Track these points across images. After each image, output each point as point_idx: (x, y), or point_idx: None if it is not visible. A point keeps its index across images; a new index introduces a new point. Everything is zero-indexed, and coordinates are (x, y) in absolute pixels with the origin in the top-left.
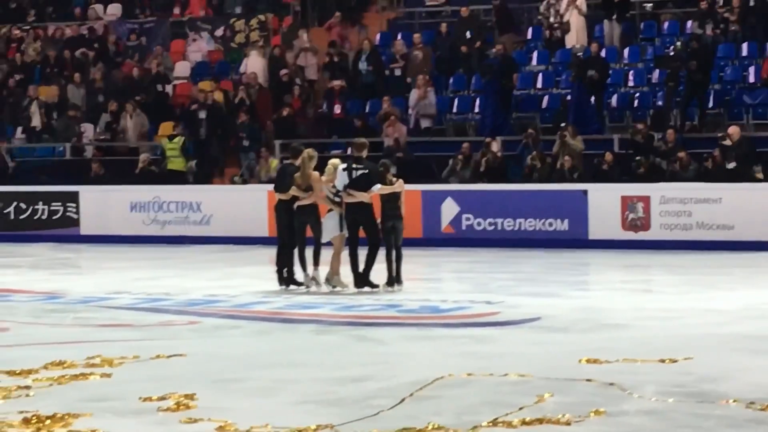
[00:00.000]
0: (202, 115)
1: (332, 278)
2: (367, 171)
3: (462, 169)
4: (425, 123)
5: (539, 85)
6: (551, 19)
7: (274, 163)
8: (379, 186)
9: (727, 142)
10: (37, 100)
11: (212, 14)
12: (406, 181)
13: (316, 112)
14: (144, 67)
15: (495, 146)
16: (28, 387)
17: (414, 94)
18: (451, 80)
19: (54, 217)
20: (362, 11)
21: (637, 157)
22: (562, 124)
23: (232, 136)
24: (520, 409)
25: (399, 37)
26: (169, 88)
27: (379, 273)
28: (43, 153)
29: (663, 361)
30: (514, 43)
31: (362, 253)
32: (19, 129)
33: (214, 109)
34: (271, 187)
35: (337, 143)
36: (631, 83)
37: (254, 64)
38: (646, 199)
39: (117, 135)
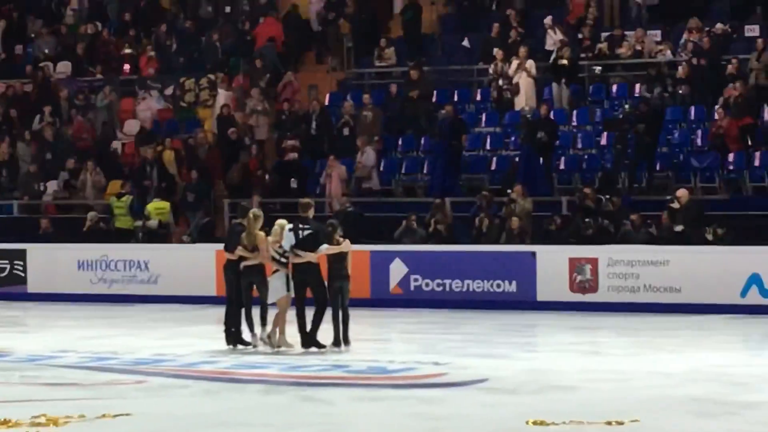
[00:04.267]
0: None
1: (278, 338)
2: (313, 231)
3: (416, 230)
4: (366, 184)
5: (488, 146)
6: (500, 81)
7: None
8: (326, 246)
9: (675, 205)
10: None
11: (161, 73)
12: (354, 242)
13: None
14: (92, 125)
15: (446, 207)
16: None
17: (357, 156)
18: (400, 141)
19: (1, 275)
20: (308, 69)
21: (586, 219)
22: (509, 191)
23: (179, 194)
24: None
25: (348, 97)
26: (117, 146)
27: (326, 333)
28: None
29: (610, 423)
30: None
31: (309, 313)
32: None
33: (163, 167)
34: (218, 246)
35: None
36: (579, 145)
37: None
38: (594, 261)
39: (76, 193)
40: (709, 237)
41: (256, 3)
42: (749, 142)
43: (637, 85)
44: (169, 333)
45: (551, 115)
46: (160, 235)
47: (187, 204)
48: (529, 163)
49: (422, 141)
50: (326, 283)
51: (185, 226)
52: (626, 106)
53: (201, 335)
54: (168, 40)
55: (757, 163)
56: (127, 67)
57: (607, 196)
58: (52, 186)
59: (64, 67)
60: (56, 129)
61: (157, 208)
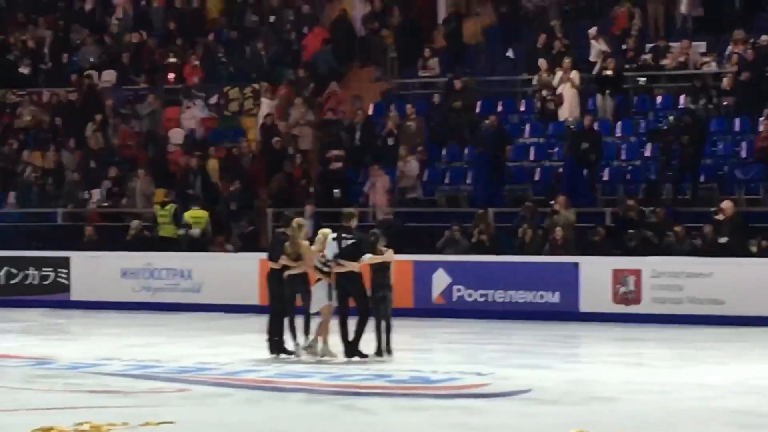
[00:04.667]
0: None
1: (321, 348)
2: (356, 241)
3: (459, 240)
4: (409, 194)
5: (532, 157)
6: (544, 92)
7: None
8: (369, 256)
9: (720, 217)
10: (32, 165)
11: (205, 82)
12: (397, 252)
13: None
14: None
15: (489, 218)
16: None
17: (399, 165)
18: (444, 151)
19: (45, 283)
20: (354, 80)
21: (629, 231)
22: (552, 201)
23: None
24: None
25: (392, 107)
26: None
27: (368, 343)
28: (35, 218)
29: None
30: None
31: (351, 323)
32: (12, 194)
33: (206, 176)
34: (262, 255)
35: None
36: (623, 156)
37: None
38: (637, 273)
39: (119, 201)
40: (754, 249)
41: (301, 12)
42: None
43: (682, 97)
44: (212, 341)
45: (595, 126)
46: (201, 243)
47: (230, 213)
48: (573, 174)
49: (466, 151)
50: (369, 292)
51: (228, 235)
52: (670, 118)
53: (244, 344)
54: (213, 49)
55: None
56: (171, 76)
57: (651, 208)
58: (96, 194)
59: (109, 76)
60: (101, 137)
61: (194, 216)
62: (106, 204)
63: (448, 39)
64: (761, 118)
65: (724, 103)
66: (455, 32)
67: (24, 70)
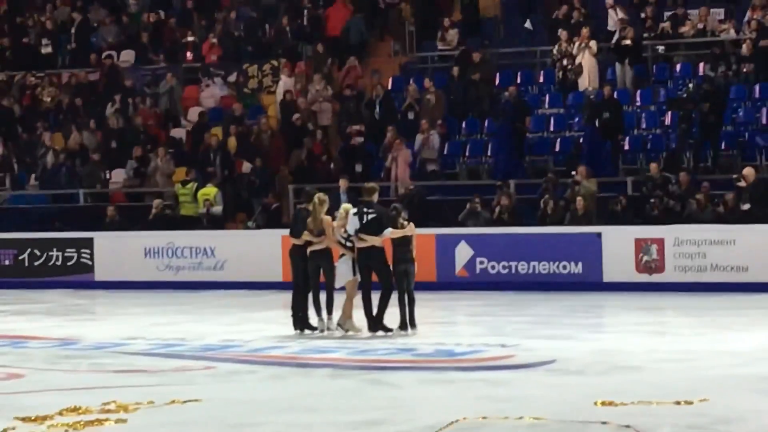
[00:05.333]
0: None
1: (345, 322)
2: (377, 215)
3: (481, 213)
4: (431, 166)
5: (552, 128)
6: (564, 62)
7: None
8: (390, 230)
9: (742, 184)
10: (53, 148)
11: (224, 60)
12: (419, 225)
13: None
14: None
15: (510, 191)
16: None
17: (419, 139)
18: (463, 124)
19: (68, 264)
20: (372, 54)
21: (652, 200)
22: (574, 172)
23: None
24: None
25: (411, 81)
26: (181, 134)
27: (392, 317)
28: (57, 200)
29: (678, 403)
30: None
31: (375, 297)
32: (33, 176)
33: (226, 154)
34: (284, 231)
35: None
36: (643, 125)
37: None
38: (660, 242)
39: (145, 180)
40: None
41: None
42: None
43: (701, 64)
44: (237, 319)
45: (615, 95)
46: (221, 220)
47: (251, 190)
48: (594, 144)
49: (485, 123)
50: (391, 266)
51: (248, 212)
52: (690, 86)
53: (268, 320)
54: (232, 27)
55: None
56: (189, 54)
57: (675, 177)
58: (118, 174)
59: (128, 56)
60: (121, 117)
61: (204, 193)
62: (132, 184)
63: (463, 11)
64: None
65: (744, 70)
66: (471, 5)
67: (45, 50)
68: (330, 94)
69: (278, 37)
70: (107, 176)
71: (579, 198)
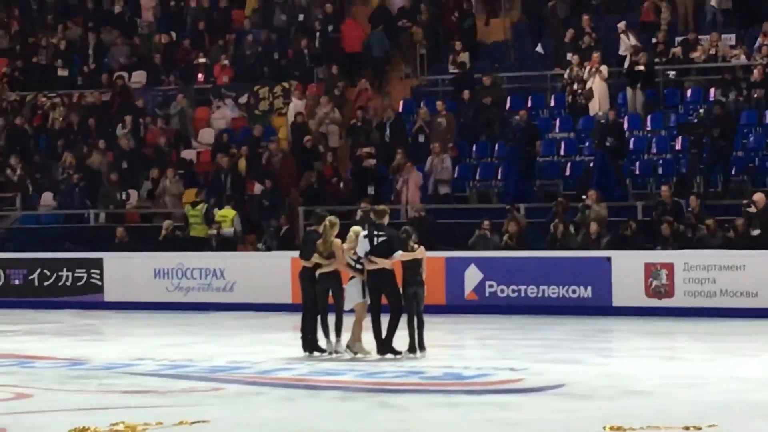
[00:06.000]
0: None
1: (354, 345)
2: (388, 238)
3: (490, 239)
4: (443, 189)
5: (562, 152)
6: (575, 86)
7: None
8: (400, 253)
9: (752, 209)
10: (70, 167)
11: (236, 81)
12: (429, 248)
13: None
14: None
15: (519, 216)
16: None
17: (430, 161)
18: (474, 147)
19: (78, 284)
20: (384, 78)
21: (663, 224)
22: (584, 196)
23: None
24: None
25: (422, 104)
26: (192, 154)
27: (401, 340)
28: (68, 220)
29: (687, 428)
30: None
31: (384, 320)
32: (44, 196)
33: (237, 176)
34: (294, 253)
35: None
36: (654, 150)
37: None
38: (669, 266)
39: (157, 201)
40: None
41: (324, 12)
42: None
43: (712, 89)
44: (246, 340)
45: (624, 120)
46: (232, 242)
47: (261, 212)
48: (604, 169)
49: (496, 147)
50: (401, 289)
51: (259, 234)
52: (701, 111)
53: (277, 342)
54: (243, 48)
55: None
56: (201, 76)
57: (685, 202)
58: (132, 195)
59: (139, 77)
60: (131, 138)
61: (222, 215)
62: (145, 205)
63: (464, 36)
64: None
65: (755, 96)
66: (471, 30)
67: (62, 73)
68: (337, 116)
69: (296, 58)
70: (123, 197)
71: (593, 223)
